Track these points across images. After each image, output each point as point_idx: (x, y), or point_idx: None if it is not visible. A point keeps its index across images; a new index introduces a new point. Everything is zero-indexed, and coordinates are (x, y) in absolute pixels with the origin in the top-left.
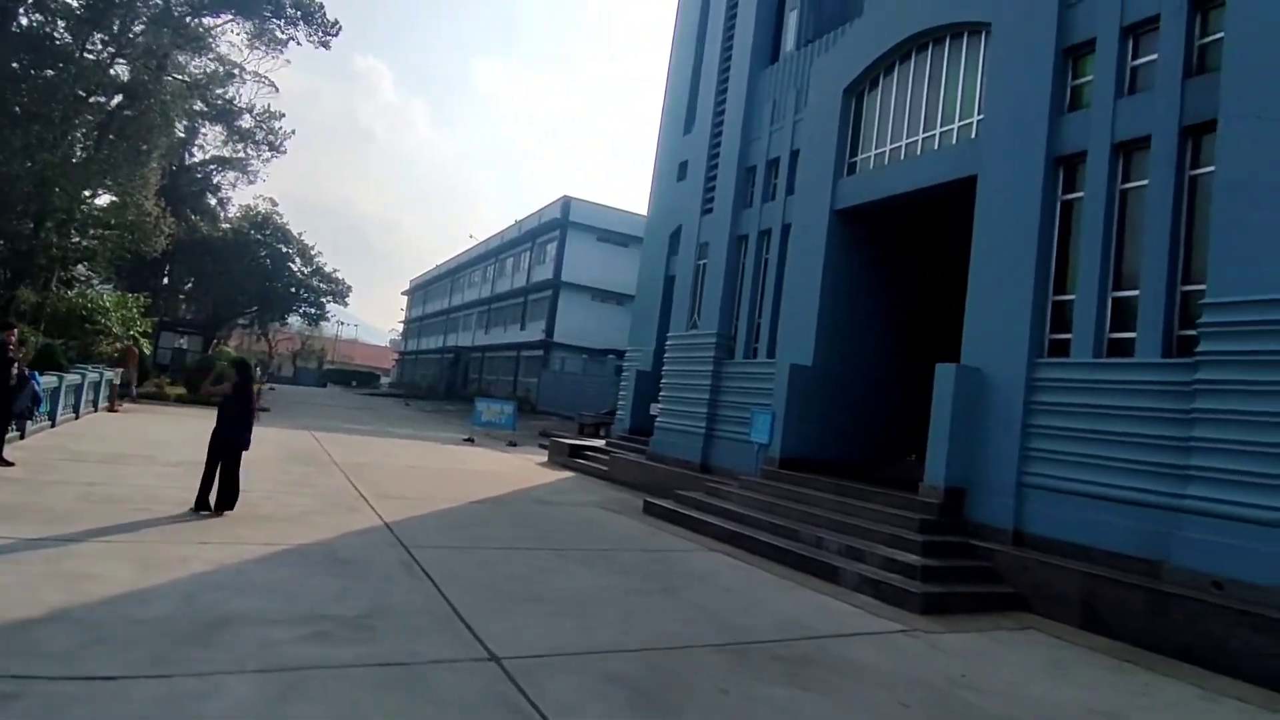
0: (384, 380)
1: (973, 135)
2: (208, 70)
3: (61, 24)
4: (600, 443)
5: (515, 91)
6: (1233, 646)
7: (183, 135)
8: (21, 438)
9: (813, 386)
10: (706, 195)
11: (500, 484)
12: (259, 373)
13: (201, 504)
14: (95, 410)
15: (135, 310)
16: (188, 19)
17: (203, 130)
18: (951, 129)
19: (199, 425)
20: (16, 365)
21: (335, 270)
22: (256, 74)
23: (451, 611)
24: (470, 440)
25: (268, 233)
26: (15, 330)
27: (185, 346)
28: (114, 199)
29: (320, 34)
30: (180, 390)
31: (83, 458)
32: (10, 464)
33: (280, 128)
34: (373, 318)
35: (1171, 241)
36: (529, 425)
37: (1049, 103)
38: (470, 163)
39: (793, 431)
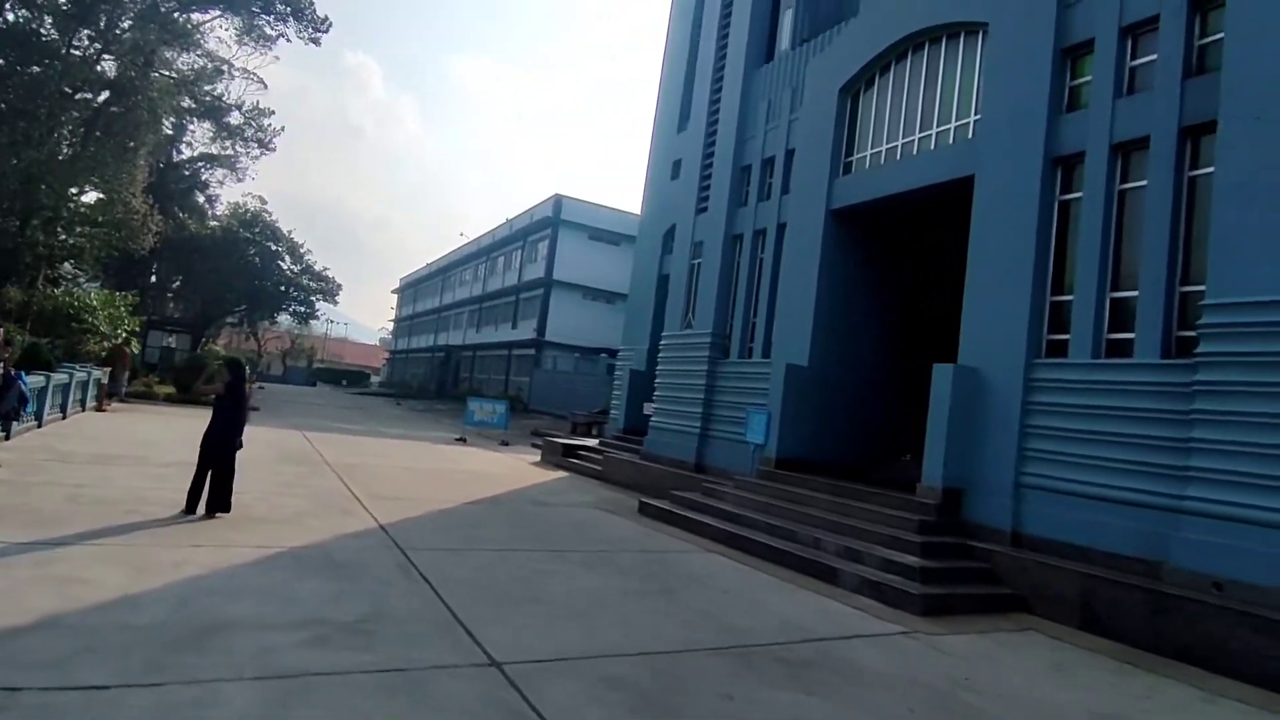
0: (374, 379)
1: (970, 135)
2: (196, 67)
3: (48, 20)
4: (593, 442)
5: (506, 89)
6: (1233, 647)
7: (170, 132)
8: (7, 438)
9: (808, 386)
10: (701, 194)
11: (494, 484)
12: (250, 372)
13: (192, 506)
14: (83, 410)
15: (123, 309)
16: (175, 15)
17: (190, 127)
18: (948, 129)
19: (189, 425)
20: (3, 365)
21: (325, 268)
22: (245, 70)
23: (450, 615)
24: (462, 440)
25: (257, 230)
26: (1, 329)
27: (174, 345)
28: (101, 196)
29: (310, 30)
30: (169, 389)
31: (71, 458)
32: None
33: (269, 125)
34: (363, 316)
35: (1170, 242)
36: (520, 424)
37: (1047, 103)
38: (461, 160)
39: (789, 432)
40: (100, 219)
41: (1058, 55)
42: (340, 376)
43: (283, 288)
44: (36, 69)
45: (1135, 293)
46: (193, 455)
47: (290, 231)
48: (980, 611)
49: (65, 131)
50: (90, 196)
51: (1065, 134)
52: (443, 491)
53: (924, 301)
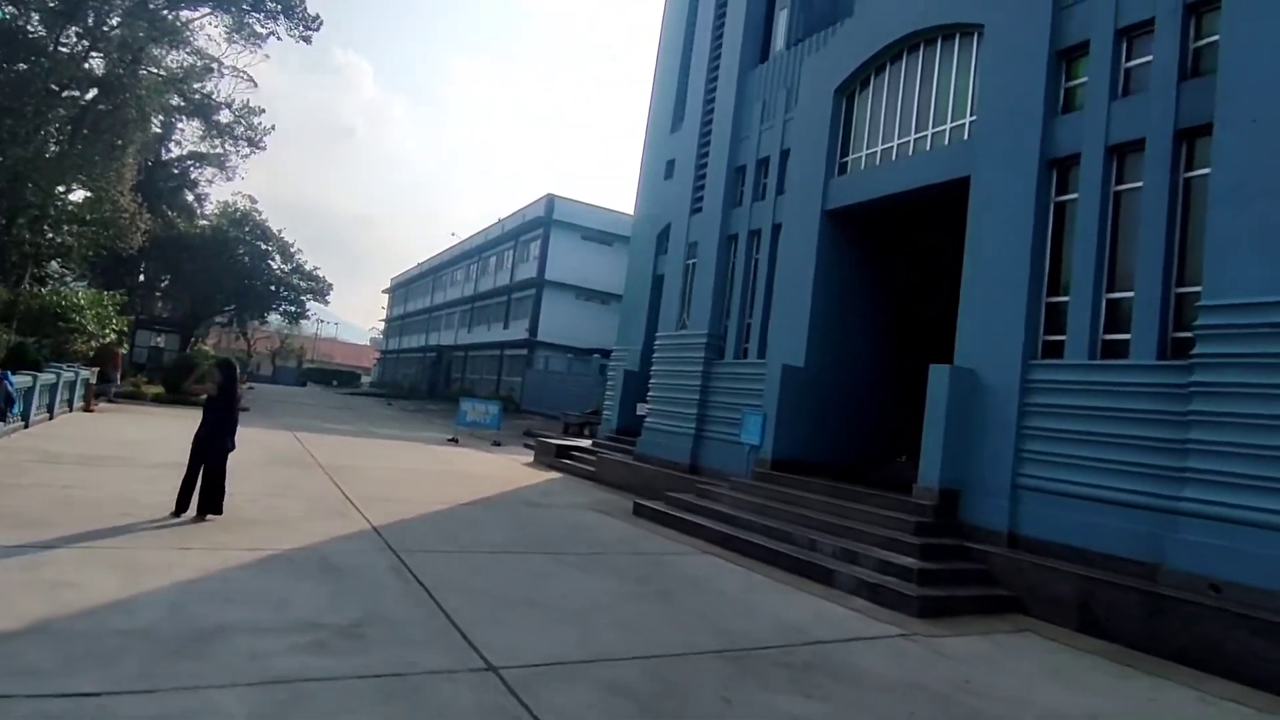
0: (365, 379)
1: (965, 136)
2: (185, 64)
3: (35, 17)
4: (586, 443)
5: (502, 89)
6: (1230, 650)
7: (159, 130)
8: None
9: (804, 387)
10: (696, 194)
11: (487, 485)
12: (240, 372)
13: (182, 507)
14: (70, 411)
15: (111, 308)
16: (164, 12)
17: (180, 125)
18: (944, 130)
19: (178, 426)
20: None
21: (316, 268)
22: (235, 69)
23: (445, 619)
24: (454, 440)
25: (247, 230)
26: None
27: (162, 345)
28: (89, 194)
29: (301, 28)
30: (158, 390)
31: (58, 460)
32: None
33: (260, 123)
34: (353, 316)
35: (1166, 244)
36: (513, 424)
37: (1043, 105)
38: (452, 160)
39: (784, 432)
40: (88, 217)
41: (1053, 57)
42: (330, 377)
43: (273, 287)
44: (23, 66)
45: (1131, 294)
46: (182, 457)
47: (280, 231)
48: (977, 613)
49: (52, 129)
50: (78, 195)
51: (1061, 136)
52: (436, 493)
53: (919, 302)
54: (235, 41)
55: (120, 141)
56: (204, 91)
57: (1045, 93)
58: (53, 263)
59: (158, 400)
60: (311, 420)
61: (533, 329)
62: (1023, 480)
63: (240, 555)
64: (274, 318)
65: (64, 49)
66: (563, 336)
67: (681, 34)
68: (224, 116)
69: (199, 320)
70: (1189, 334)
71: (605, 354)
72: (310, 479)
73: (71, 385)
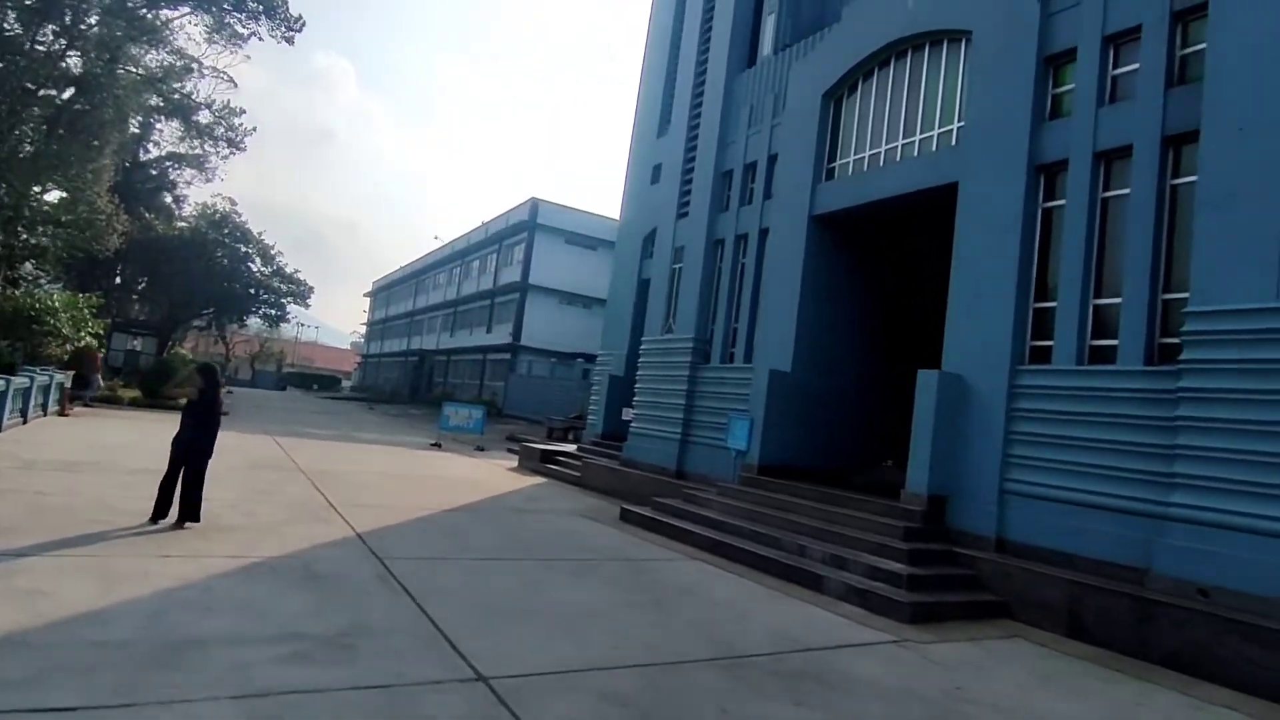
0: (346, 383)
1: (953, 142)
2: (164, 64)
3: (11, 15)
4: (571, 448)
5: (493, 91)
6: (1221, 654)
7: (137, 131)
8: None
9: (792, 392)
10: (682, 198)
11: (472, 491)
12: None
13: (161, 512)
14: (45, 415)
15: (86, 310)
16: (143, 11)
17: (158, 126)
18: (932, 135)
19: (156, 430)
20: None
21: (296, 271)
22: (215, 69)
23: (433, 628)
24: (437, 445)
25: (226, 232)
26: None
27: (139, 348)
28: (64, 195)
29: (283, 29)
30: (135, 394)
31: (33, 465)
32: None
33: (241, 124)
34: (334, 319)
35: (1153, 250)
36: (495, 429)
37: (1030, 111)
38: (435, 163)
39: (772, 437)
40: (64, 218)
41: (1041, 63)
42: (311, 381)
43: (252, 290)
44: None
45: (1119, 300)
46: (160, 462)
47: (261, 233)
48: (967, 618)
49: (28, 128)
50: (53, 195)
51: (1048, 142)
52: (420, 498)
53: (905, 308)
54: (216, 42)
55: (97, 141)
56: (183, 92)
57: (1033, 99)
58: (27, 264)
59: (135, 404)
60: (292, 424)
61: (516, 333)
62: (1010, 485)
63: (221, 563)
64: (253, 321)
65: (40, 47)
66: (546, 341)
67: (668, 39)
68: (204, 117)
69: (177, 323)
70: (1176, 340)
71: (589, 358)
72: (292, 484)
73: (46, 389)
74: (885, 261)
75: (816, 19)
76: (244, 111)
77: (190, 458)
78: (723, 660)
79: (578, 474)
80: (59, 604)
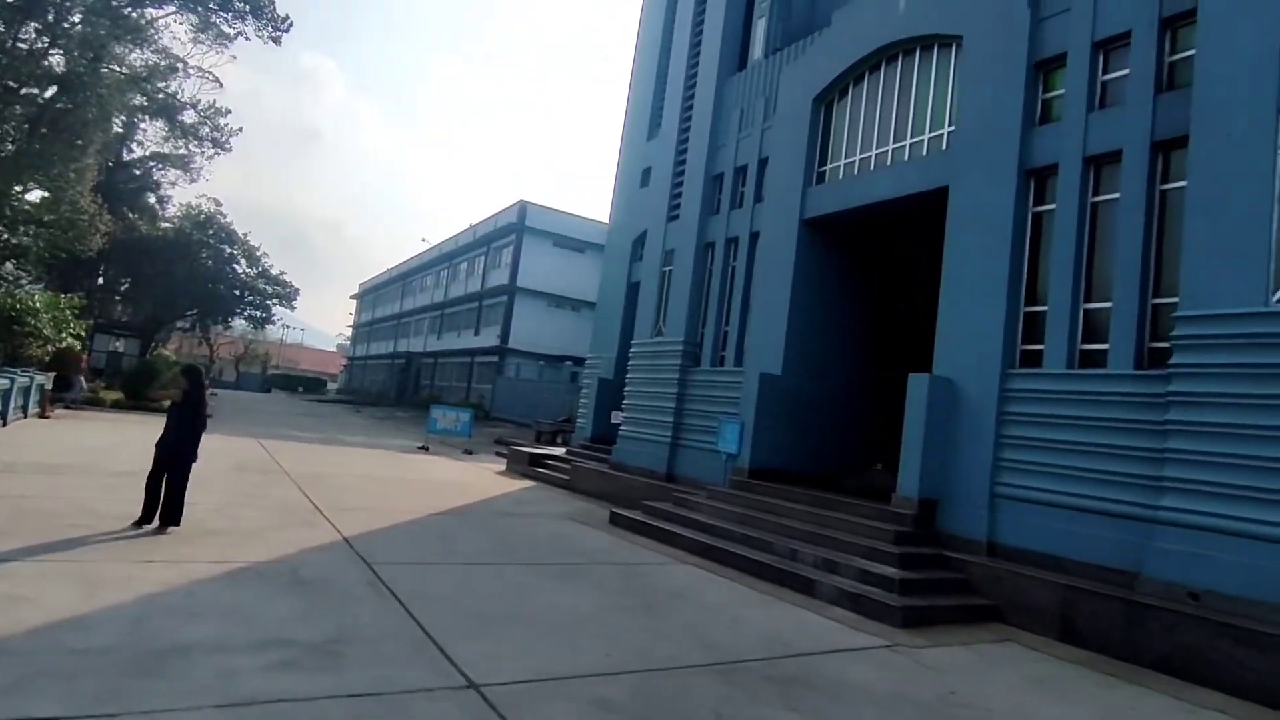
0: (332, 386)
1: (944, 146)
2: (149, 63)
3: None
4: (559, 451)
5: (475, 91)
6: (1212, 658)
7: (121, 130)
8: None
9: (782, 395)
10: (673, 202)
11: (460, 494)
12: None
13: (145, 518)
14: (25, 417)
15: (68, 311)
16: (127, 10)
17: (142, 125)
18: (922, 140)
19: (139, 432)
20: None
21: (282, 272)
22: (200, 69)
23: (422, 634)
24: (425, 448)
25: (210, 233)
26: None
27: (122, 350)
28: (46, 195)
29: (270, 29)
30: (117, 396)
31: (13, 468)
32: None
33: (226, 124)
34: (320, 322)
35: (1143, 254)
36: (483, 432)
37: (1020, 116)
38: (427, 164)
39: (762, 441)
40: (46, 218)
41: (1031, 69)
42: (296, 383)
43: (237, 291)
44: None
45: (1109, 304)
46: (142, 464)
47: (246, 234)
48: (958, 622)
49: (9, 127)
50: (35, 194)
51: (1038, 146)
52: (407, 502)
53: (895, 312)
54: (201, 41)
55: (80, 141)
56: (168, 91)
57: (1023, 104)
58: (7, 264)
59: (117, 406)
60: (277, 427)
61: (504, 336)
62: (1001, 489)
63: (206, 568)
64: (238, 323)
65: (22, 45)
66: (534, 344)
67: (658, 43)
68: (189, 117)
69: (160, 325)
70: (1166, 344)
71: (577, 361)
72: (277, 488)
73: (26, 391)
74: (876, 265)
75: (807, 23)
76: (229, 111)
77: (175, 460)
78: (717, 665)
79: (567, 477)
80: (40, 610)
